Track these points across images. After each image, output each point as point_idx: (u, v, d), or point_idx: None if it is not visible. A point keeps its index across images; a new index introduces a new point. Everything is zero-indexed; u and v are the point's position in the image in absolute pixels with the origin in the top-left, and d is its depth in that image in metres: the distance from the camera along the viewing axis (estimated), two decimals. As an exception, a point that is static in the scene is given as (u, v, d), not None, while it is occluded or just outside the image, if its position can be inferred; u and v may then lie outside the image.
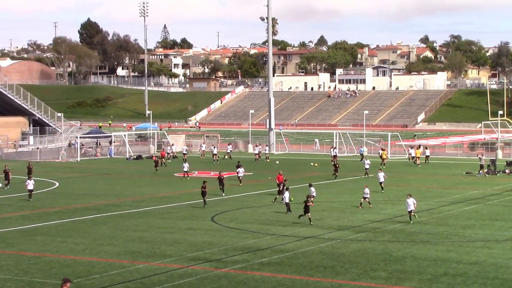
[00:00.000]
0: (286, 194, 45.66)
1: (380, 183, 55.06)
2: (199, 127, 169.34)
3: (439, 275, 29.08)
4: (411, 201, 41.29)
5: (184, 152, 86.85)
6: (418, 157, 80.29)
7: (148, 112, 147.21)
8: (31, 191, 51.01)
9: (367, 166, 67.10)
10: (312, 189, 48.73)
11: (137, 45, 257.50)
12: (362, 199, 47.37)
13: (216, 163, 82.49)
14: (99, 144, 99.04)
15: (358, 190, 57.63)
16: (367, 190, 47.34)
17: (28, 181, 51.67)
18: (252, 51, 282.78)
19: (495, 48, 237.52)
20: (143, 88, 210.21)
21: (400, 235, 37.94)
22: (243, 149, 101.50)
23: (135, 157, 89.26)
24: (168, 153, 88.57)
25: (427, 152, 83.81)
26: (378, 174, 56.25)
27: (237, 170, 61.32)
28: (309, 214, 40.64)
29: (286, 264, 31.10)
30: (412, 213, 41.33)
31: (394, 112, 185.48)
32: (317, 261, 31.64)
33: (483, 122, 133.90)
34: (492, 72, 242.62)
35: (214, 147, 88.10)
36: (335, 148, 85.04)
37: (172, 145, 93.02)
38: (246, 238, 36.95)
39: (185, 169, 65.57)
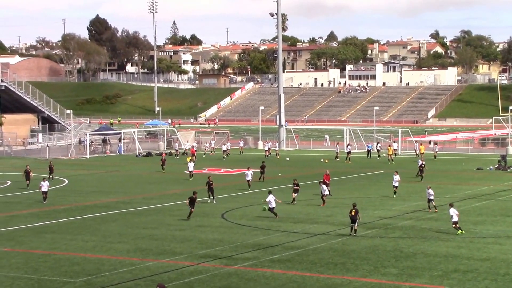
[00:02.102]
0: (271, 198, 41.78)
1: (395, 187, 50.83)
2: (216, 123, 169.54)
3: (450, 272, 28.92)
4: (453, 211, 36.87)
5: (194, 149, 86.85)
6: (422, 153, 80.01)
7: (157, 108, 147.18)
8: (45, 193, 48.96)
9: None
10: (324, 186, 47.77)
11: (147, 42, 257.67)
12: (428, 202, 44.19)
13: (225, 159, 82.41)
14: (109, 141, 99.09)
15: (369, 186, 57.64)
16: (431, 191, 44.02)
17: (42, 182, 49.47)
18: (262, 47, 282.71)
19: (505, 43, 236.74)
20: (153, 84, 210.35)
21: (411, 231, 37.75)
22: (253, 146, 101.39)
23: (144, 154, 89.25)
24: (176, 150, 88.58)
25: (436, 148, 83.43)
26: (394, 176, 51.41)
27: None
28: (355, 225, 36.50)
29: (297, 261, 30.98)
30: (457, 225, 36.91)
31: (404, 108, 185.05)
32: (328, 258, 31.50)
33: (493, 118, 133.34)
34: (503, 67, 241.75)
35: (225, 144, 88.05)
36: (348, 144, 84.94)
37: (187, 141, 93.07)
38: (256, 235, 36.85)
39: (190, 169, 63.05)
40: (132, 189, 56.69)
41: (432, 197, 43.71)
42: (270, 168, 71.12)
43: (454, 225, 36.79)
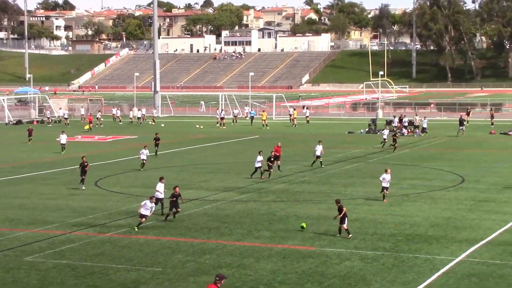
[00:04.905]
0: (160, 187, 33.74)
1: (384, 188, 36.68)
2: (90, 90, 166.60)
3: (321, 233, 29.53)
4: (388, 177, 35.64)
5: (66, 117, 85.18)
6: (295, 118, 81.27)
7: (28, 75, 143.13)
8: None
9: (384, 137, 59.07)
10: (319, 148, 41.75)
11: (16, 6, 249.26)
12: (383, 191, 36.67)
13: (100, 127, 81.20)
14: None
15: (244, 151, 58.04)
16: (386, 176, 36.40)
17: None
18: (137, 13, 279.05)
19: (376, 10, 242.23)
20: (23, 51, 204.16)
21: (284, 195, 38.34)
22: (127, 113, 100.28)
23: (14, 122, 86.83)
24: (48, 118, 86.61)
25: (307, 113, 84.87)
26: (384, 175, 36.80)
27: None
28: (344, 225, 28.86)
29: (171, 227, 30.93)
30: (386, 191, 36.21)
31: (279, 74, 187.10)
32: (202, 223, 31.61)
33: (365, 83, 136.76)
34: (374, 33, 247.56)
35: (99, 111, 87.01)
36: (222, 110, 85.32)
37: (60, 108, 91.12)
38: (130, 202, 36.55)
39: (63, 142, 57.52)
40: (1, 158, 55.01)
41: (387, 184, 36.28)
42: (145, 135, 70.62)
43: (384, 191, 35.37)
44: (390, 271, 24.27)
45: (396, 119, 71.94)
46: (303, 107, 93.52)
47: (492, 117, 79.80)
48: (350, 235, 28.52)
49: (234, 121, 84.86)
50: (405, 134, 69.20)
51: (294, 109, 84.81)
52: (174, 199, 32.01)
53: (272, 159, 44.26)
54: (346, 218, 28.74)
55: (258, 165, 43.16)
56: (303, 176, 44.32)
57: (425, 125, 70.26)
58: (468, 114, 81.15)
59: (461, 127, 68.40)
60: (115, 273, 24.28)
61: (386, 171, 36.35)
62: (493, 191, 38.84)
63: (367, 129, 73.65)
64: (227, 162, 51.67)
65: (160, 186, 33.50)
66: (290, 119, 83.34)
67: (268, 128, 77.45)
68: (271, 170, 43.99)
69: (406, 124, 71.42)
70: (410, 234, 29.26)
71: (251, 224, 31.42)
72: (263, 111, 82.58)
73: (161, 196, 33.28)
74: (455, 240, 28.24)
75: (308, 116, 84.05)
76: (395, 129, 67.44)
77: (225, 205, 35.67)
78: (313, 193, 38.82)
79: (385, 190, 36.07)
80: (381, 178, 36.23)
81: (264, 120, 79.03)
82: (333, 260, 25.62)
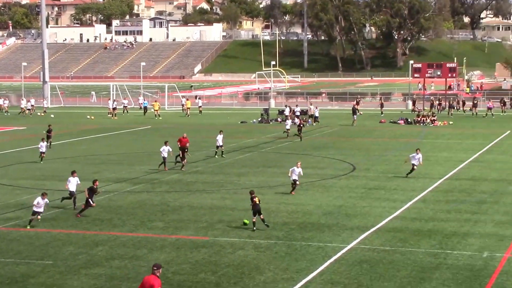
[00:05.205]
0: (73, 181, 32.81)
1: (295, 181, 35.53)
2: None
3: (215, 222, 29.56)
4: (297, 171, 35.10)
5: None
6: (189, 108, 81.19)
7: None
8: None
9: (288, 127, 60.13)
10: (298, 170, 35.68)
11: None
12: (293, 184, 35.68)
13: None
14: None
15: (135, 142, 57.50)
16: (298, 169, 35.41)
17: None
18: (24, 1, 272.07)
19: (267, 1, 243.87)
20: None
21: (177, 185, 38.16)
22: (16, 103, 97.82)
23: None
24: None
25: (200, 103, 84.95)
26: (294, 168, 35.63)
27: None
28: (261, 215, 28.66)
29: (62, 219, 30.35)
30: (298, 184, 35.34)
31: (171, 64, 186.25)
32: (94, 215, 31.11)
33: (257, 73, 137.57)
34: (265, 23, 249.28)
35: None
36: (114, 100, 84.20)
37: None
38: (19, 194, 35.65)
39: None
40: None
41: (296, 177, 35.34)
42: (33, 126, 69.11)
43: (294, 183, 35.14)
44: (283, 260, 24.48)
45: (287, 109, 72.65)
46: (196, 97, 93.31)
47: (381, 106, 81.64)
48: (254, 228, 28.42)
49: (125, 111, 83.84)
50: (297, 124, 69.86)
51: (187, 99, 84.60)
52: (89, 195, 31.02)
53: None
54: (254, 211, 28.54)
55: (165, 155, 42.77)
56: (196, 166, 44.22)
57: (317, 114, 71.30)
58: (357, 103, 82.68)
59: (354, 116, 69.71)
60: (3, 267, 23.64)
61: (297, 165, 35.73)
62: (383, 179, 39.72)
63: (259, 119, 74.11)
64: (119, 153, 51.04)
65: (72, 180, 32.54)
66: (183, 109, 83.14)
67: (160, 118, 76.96)
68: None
69: (298, 113, 72.21)
70: (302, 223, 29.60)
71: (144, 215, 31.16)
72: (155, 101, 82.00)
73: (72, 189, 32.36)
74: (347, 228, 28.74)
75: (200, 106, 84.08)
76: (289, 118, 67.86)
77: (118, 196, 35.24)
78: (206, 183, 38.78)
79: (296, 182, 35.55)
80: (291, 169, 35.71)
81: (157, 110, 78.47)
82: (226, 250, 25.66)
